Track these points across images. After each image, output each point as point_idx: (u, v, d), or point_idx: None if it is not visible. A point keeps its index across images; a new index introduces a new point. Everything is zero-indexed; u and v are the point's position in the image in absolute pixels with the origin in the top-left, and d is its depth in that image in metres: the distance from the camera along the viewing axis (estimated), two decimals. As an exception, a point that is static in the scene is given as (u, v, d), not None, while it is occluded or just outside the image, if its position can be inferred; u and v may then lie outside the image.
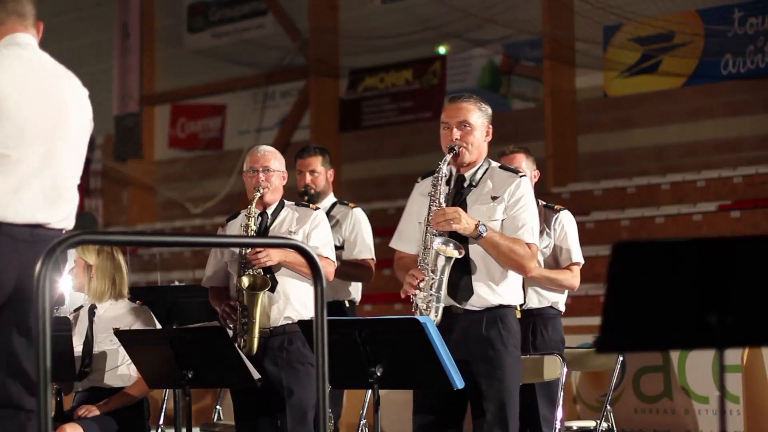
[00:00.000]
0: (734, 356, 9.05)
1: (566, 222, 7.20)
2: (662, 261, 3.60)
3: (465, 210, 5.90)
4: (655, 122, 14.63)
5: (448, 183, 6.00)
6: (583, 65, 15.11)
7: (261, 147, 6.90)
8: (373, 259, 7.75)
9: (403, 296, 5.92)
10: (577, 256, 7.17)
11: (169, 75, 19.74)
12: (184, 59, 19.39)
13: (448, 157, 5.92)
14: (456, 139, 5.92)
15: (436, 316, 5.79)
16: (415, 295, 5.84)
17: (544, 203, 7.32)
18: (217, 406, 8.91)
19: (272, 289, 6.66)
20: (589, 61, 14.95)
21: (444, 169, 5.92)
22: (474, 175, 5.99)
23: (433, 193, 5.93)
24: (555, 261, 7.18)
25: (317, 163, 7.90)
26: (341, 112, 17.60)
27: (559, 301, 7.20)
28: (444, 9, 15.70)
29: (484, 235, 5.82)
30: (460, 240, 5.86)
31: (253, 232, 6.67)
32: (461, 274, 5.88)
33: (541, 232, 7.15)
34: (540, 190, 15.77)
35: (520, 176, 6.01)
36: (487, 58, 16.25)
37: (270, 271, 6.66)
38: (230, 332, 6.67)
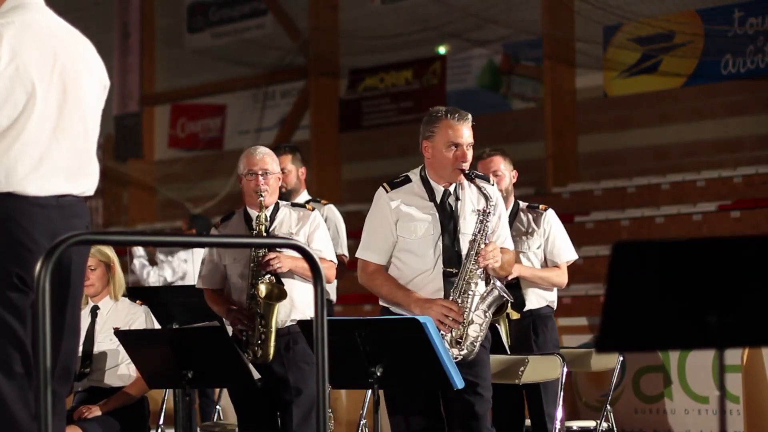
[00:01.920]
0: (734, 356, 9.05)
1: (553, 221, 7.26)
2: (662, 261, 3.60)
3: (457, 223, 5.92)
4: (655, 122, 14.63)
5: (432, 199, 5.98)
6: (583, 65, 15.11)
7: (259, 149, 6.84)
8: (345, 255, 7.71)
9: (444, 331, 5.85)
10: (567, 254, 7.22)
11: (169, 75, 19.75)
12: (184, 59, 19.39)
13: (487, 184, 5.95)
14: (468, 161, 5.93)
15: (474, 352, 5.85)
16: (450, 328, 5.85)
17: (527, 204, 7.34)
18: (217, 406, 8.91)
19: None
20: (589, 61, 14.95)
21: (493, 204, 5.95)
22: (456, 189, 5.99)
23: (482, 228, 5.89)
24: (544, 259, 7.23)
25: (287, 161, 7.88)
26: (341, 112, 17.61)
27: (554, 299, 7.30)
28: (444, 9, 15.71)
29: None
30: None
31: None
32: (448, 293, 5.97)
33: (532, 233, 7.19)
34: (540, 190, 15.82)
35: (492, 184, 6.05)
36: (487, 58, 16.25)
37: (275, 272, 6.65)
38: (233, 337, 6.67)
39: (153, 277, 11.87)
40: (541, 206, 7.32)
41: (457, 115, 5.94)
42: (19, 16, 4.80)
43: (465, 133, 5.92)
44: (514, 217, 7.24)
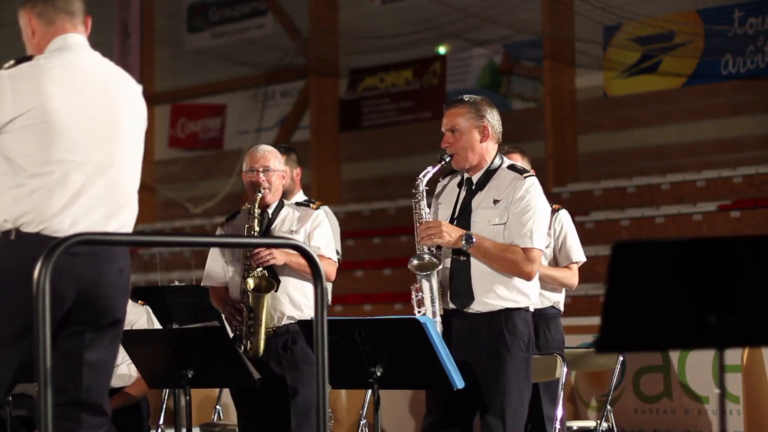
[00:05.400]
0: (734, 356, 9.04)
1: (565, 221, 7.24)
2: (662, 261, 3.60)
3: (470, 214, 5.90)
4: (655, 122, 14.63)
5: (460, 185, 6.01)
6: (583, 65, 15.10)
7: (261, 146, 6.90)
8: (339, 257, 7.69)
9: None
10: (578, 254, 7.20)
11: (169, 75, 19.74)
12: (184, 59, 19.38)
13: (430, 168, 5.98)
14: (446, 146, 5.96)
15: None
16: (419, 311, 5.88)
17: None
18: (217, 406, 8.91)
19: (276, 289, 6.65)
20: (589, 61, 14.94)
21: (422, 185, 5.98)
22: (480, 178, 5.97)
23: (415, 208, 5.95)
24: (554, 259, 7.21)
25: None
26: (341, 112, 17.60)
27: (560, 300, 7.25)
28: (444, 9, 15.69)
29: (472, 244, 5.81)
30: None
31: (256, 233, 6.65)
32: (461, 279, 5.87)
33: None
34: (540, 190, 15.59)
35: (525, 176, 5.92)
36: (487, 58, 16.24)
37: (273, 271, 6.66)
38: (232, 334, 6.68)
39: None
40: (554, 206, 7.30)
41: (446, 102, 6.08)
42: (62, 58, 4.78)
43: (445, 119, 6.00)
44: None
